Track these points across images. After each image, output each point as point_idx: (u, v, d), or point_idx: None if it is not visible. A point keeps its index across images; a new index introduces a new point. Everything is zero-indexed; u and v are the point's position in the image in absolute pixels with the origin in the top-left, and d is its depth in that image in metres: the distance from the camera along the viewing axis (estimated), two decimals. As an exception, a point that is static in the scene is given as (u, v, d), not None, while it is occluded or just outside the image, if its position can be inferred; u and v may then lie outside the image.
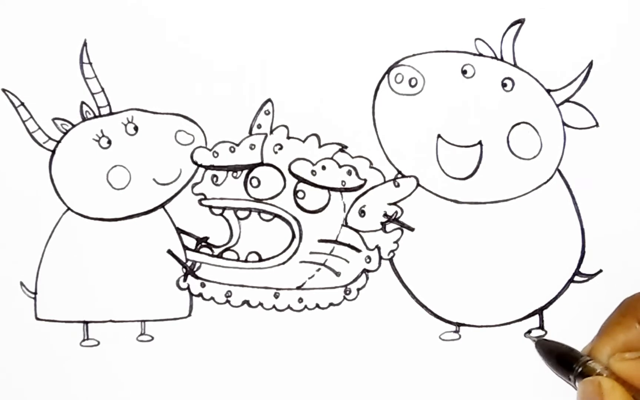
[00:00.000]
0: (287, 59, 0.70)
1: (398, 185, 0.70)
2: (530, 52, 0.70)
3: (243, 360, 0.70)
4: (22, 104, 0.70)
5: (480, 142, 0.70)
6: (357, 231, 0.70)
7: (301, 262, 0.70)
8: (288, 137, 0.70)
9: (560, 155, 0.70)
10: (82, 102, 0.70)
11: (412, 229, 0.70)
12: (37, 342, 0.70)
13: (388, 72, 0.70)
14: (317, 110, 0.70)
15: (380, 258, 0.70)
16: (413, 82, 0.70)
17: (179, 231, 0.70)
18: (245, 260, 0.70)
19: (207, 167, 0.70)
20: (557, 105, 0.70)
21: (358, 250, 0.70)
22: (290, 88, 0.70)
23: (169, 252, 0.70)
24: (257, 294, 0.70)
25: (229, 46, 0.70)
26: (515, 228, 0.70)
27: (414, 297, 0.70)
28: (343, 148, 0.70)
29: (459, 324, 0.70)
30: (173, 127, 0.70)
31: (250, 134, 0.70)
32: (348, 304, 0.70)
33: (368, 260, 0.70)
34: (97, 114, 0.70)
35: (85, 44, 0.70)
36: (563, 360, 0.63)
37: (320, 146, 0.70)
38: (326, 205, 0.70)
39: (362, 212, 0.70)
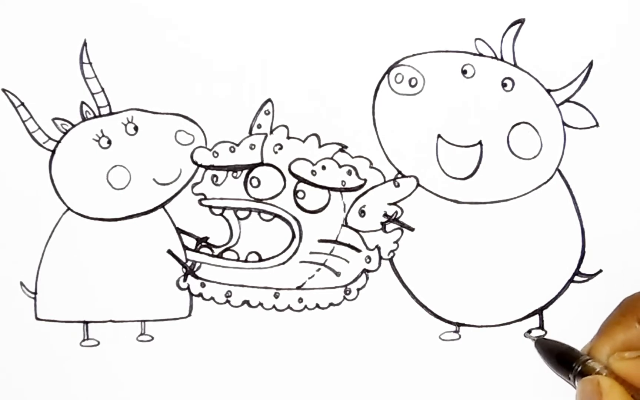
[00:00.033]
0: (287, 59, 0.70)
1: (398, 185, 0.70)
2: (530, 52, 0.70)
3: (243, 360, 0.70)
4: (22, 104, 0.70)
5: (480, 142, 0.70)
6: (357, 231, 0.70)
7: (301, 262, 0.70)
8: (288, 137, 0.70)
9: (560, 155, 0.70)
10: (82, 102, 0.70)
11: (412, 229, 0.70)
12: (37, 342, 0.70)
13: (388, 72, 0.70)
14: (317, 110, 0.70)
15: (380, 258, 0.70)
16: (413, 82, 0.70)
17: (179, 231, 0.70)
18: (245, 260, 0.70)
19: (207, 167, 0.70)
20: (557, 105, 0.70)
21: (358, 250, 0.70)
22: (290, 88, 0.70)
23: (169, 252, 0.70)
24: (257, 294, 0.70)
25: (229, 46, 0.70)
26: (515, 228, 0.70)
27: (414, 297, 0.70)
28: (343, 148, 0.70)
29: (459, 324, 0.70)
30: (173, 127, 0.70)
31: (250, 134, 0.70)
32: (348, 304, 0.70)
33: (368, 260, 0.70)
34: (97, 114, 0.70)
35: (85, 44, 0.70)
36: (562, 359, 0.63)
37: (320, 146, 0.70)
38: (326, 205, 0.70)
39: (362, 212, 0.70)
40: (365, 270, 0.70)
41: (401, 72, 0.70)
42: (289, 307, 0.70)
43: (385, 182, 0.70)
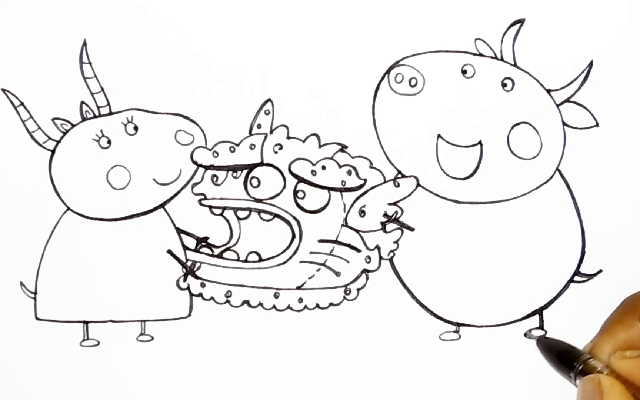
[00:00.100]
0: (287, 59, 0.70)
1: (398, 185, 0.70)
2: (530, 52, 0.70)
3: (243, 360, 0.70)
4: (22, 103, 0.70)
5: (480, 142, 0.70)
6: (357, 231, 0.70)
7: (301, 262, 0.70)
8: (288, 137, 0.70)
9: (560, 155, 0.70)
10: (82, 102, 0.70)
11: (412, 229, 0.70)
12: (37, 342, 0.70)
13: (388, 72, 0.70)
14: (317, 110, 0.70)
15: (380, 258, 0.70)
16: (413, 82, 0.70)
17: (179, 231, 0.70)
18: (245, 260, 0.70)
19: (207, 167, 0.70)
20: (557, 105, 0.70)
21: (358, 250, 0.70)
22: (290, 88, 0.70)
23: (169, 252, 0.70)
24: (257, 294, 0.70)
25: (229, 46, 0.70)
26: (515, 228, 0.70)
27: (414, 297, 0.70)
28: (343, 148, 0.70)
29: (459, 324, 0.70)
30: (173, 127, 0.70)
31: (250, 134, 0.70)
32: (348, 304, 0.70)
33: (368, 260, 0.70)
34: (96, 113, 0.70)
35: (85, 44, 0.70)
36: (564, 358, 0.63)
37: (320, 146, 0.70)
38: (326, 205, 0.70)
39: (362, 212, 0.70)
40: (365, 270, 0.70)
41: (401, 72, 0.70)
42: (289, 307, 0.70)
43: (385, 182, 0.70)
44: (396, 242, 0.70)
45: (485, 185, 0.70)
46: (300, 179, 0.70)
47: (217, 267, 0.70)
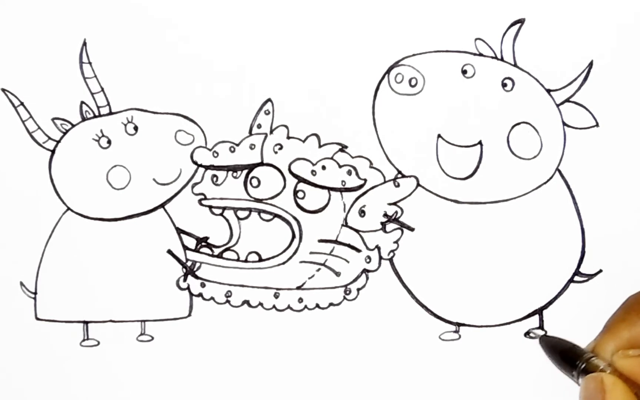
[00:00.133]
0: (287, 59, 0.70)
1: (398, 185, 0.70)
2: (530, 52, 0.70)
3: (243, 360, 0.70)
4: (22, 103, 0.70)
5: (480, 142, 0.70)
6: (357, 231, 0.70)
7: (301, 262, 0.70)
8: (288, 137, 0.70)
9: (560, 155, 0.70)
10: (82, 102, 0.70)
11: (412, 229, 0.70)
12: (37, 342, 0.69)
13: (388, 72, 0.70)
14: (317, 110, 0.70)
15: (380, 258, 0.70)
16: (413, 82, 0.70)
17: (179, 231, 0.70)
18: (245, 260, 0.70)
19: (207, 167, 0.70)
20: (557, 105, 0.70)
21: (358, 250, 0.70)
22: (290, 88, 0.70)
23: (169, 252, 0.70)
24: (257, 294, 0.70)
25: (229, 46, 0.70)
26: (515, 228, 0.70)
27: (414, 297, 0.70)
28: (343, 148, 0.70)
29: (458, 324, 0.70)
30: (173, 127, 0.70)
31: (250, 133, 0.70)
32: (348, 304, 0.70)
33: (368, 260, 0.70)
34: (96, 113, 0.70)
35: (85, 44, 0.70)
36: (566, 356, 0.63)
37: (320, 146, 0.70)
38: (326, 205, 0.70)
39: (362, 212, 0.70)
40: (365, 270, 0.70)
41: (401, 72, 0.70)
42: (289, 307, 0.70)
43: (385, 182, 0.70)
44: (396, 242, 0.70)
45: (485, 185, 0.70)
46: (300, 179, 0.70)
47: (217, 267, 0.70)
